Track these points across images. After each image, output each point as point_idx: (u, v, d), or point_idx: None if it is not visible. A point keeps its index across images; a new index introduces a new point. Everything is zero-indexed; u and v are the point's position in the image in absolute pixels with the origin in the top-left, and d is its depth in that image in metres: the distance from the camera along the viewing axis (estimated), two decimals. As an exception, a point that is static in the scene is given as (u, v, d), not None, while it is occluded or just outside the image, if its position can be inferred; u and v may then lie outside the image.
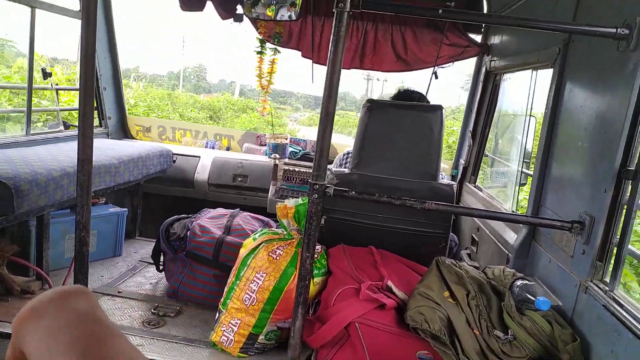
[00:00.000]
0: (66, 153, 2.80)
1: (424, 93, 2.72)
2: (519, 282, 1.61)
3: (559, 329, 1.47)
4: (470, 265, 1.90)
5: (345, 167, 2.52)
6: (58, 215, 2.69)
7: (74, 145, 3.14)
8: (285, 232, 2.06)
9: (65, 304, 0.40)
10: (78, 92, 1.81)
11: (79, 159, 1.84)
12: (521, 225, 2.07)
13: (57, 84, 3.55)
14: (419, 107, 2.13)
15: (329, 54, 1.51)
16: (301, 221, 2.03)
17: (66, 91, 5.53)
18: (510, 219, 1.96)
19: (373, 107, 2.01)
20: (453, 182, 2.19)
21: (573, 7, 1.81)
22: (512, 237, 2.19)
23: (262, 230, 2.13)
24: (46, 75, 3.21)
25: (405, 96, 2.54)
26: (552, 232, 1.81)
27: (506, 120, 3.13)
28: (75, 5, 3.33)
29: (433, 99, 2.67)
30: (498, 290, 1.69)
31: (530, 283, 1.61)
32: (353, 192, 1.63)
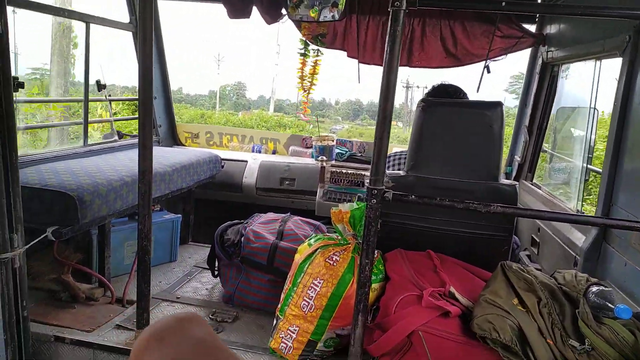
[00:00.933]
0: (123, 162, 2.89)
1: (476, 89, 2.62)
2: (594, 288, 1.51)
3: (644, 340, 1.37)
4: (536, 269, 1.81)
5: (395, 169, 2.46)
6: (117, 223, 2.78)
7: (129, 154, 3.28)
8: (340, 238, 2.03)
9: (184, 331, 0.40)
10: (132, 101, 1.86)
11: (139, 170, 1.89)
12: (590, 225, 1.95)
13: (109, 95, 3.67)
14: (476, 104, 2.05)
15: (384, 55, 1.46)
16: (357, 226, 1.99)
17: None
18: (582, 220, 1.85)
19: (428, 107, 1.95)
20: (515, 182, 2.09)
21: None
22: (579, 237, 2.07)
23: (316, 236, 2.11)
24: (100, 87, 3.32)
25: (440, 90, 2.44)
26: (627, 233, 1.68)
27: (565, 113, 2.97)
28: (125, 18, 3.45)
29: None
30: (571, 297, 1.59)
31: (608, 289, 1.50)
32: (413, 196, 1.58)
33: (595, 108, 2.42)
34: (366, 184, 3.44)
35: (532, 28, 3.04)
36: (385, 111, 1.51)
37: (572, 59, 2.49)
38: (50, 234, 2.09)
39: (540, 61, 2.94)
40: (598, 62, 2.17)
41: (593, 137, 2.49)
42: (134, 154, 3.31)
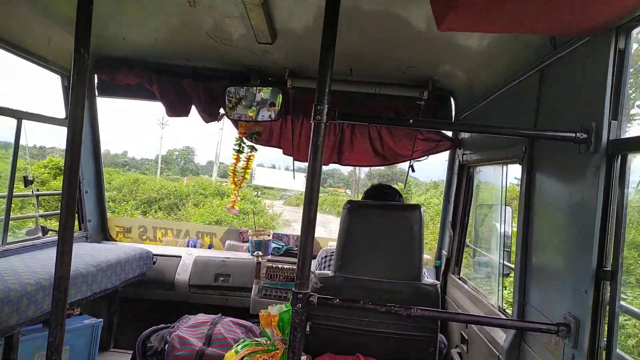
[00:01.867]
0: (42, 263, 2.72)
1: (403, 183, 2.79)
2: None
3: None
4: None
5: (327, 268, 2.49)
6: (28, 331, 2.55)
7: (51, 253, 3.09)
8: (269, 342, 1.98)
9: None
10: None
11: (56, 276, 1.77)
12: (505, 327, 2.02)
13: (37, 189, 3.54)
14: (398, 207, 2.17)
15: (308, 161, 1.54)
16: (285, 330, 1.96)
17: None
18: (496, 323, 1.92)
19: (353, 209, 2.04)
20: (437, 282, 2.17)
21: (535, 104, 1.93)
22: (501, 336, 2.13)
23: (244, 342, 2.04)
24: (28, 182, 3.21)
25: (377, 190, 2.60)
26: (540, 334, 1.76)
27: (483, 210, 3.19)
28: (61, 113, 3.44)
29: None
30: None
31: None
32: (338, 300, 1.59)
33: (507, 205, 2.63)
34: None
35: (450, 133, 3.35)
36: (309, 215, 1.56)
37: (482, 163, 2.74)
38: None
39: (457, 162, 3.20)
40: (504, 167, 2.41)
41: (508, 233, 2.68)
42: (54, 253, 3.13)
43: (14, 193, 3.10)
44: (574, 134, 1.48)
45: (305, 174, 1.58)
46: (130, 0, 2.33)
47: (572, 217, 1.60)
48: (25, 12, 2.51)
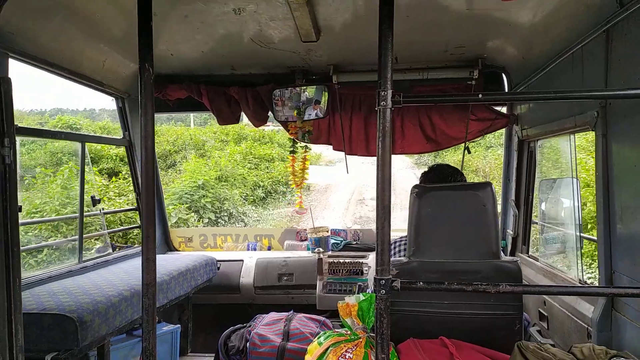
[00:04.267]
0: (119, 276, 2.85)
1: (460, 167, 2.73)
2: (617, 361, 1.49)
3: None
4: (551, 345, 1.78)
5: (398, 255, 2.48)
6: (115, 341, 2.67)
7: (123, 267, 3.24)
8: (350, 332, 1.99)
9: None
10: (131, 210, 1.88)
11: (143, 283, 1.86)
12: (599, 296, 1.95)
13: (103, 208, 3.72)
14: (467, 186, 2.13)
15: (377, 149, 1.54)
16: (366, 318, 1.97)
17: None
18: (591, 292, 1.85)
19: (421, 193, 2.02)
20: (516, 258, 2.12)
21: (603, 66, 1.85)
22: (587, 308, 2.06)
23: (325, 333, 2.06)
24: (95, 202, 3.37)
25: (438, 172, 2.54)
26: (636, 300, 1.69)
27: (548, 184, 3.09)
28: (119, 133, 3.60)
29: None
30: (594, 372, 1.55)
31: (630, 360, 1.48)
32: (421, 283, 1.58)
33: (576, 178, 2.54)
34: (367, 268, 3.41)
35: (504, 109, 3.26)
36: (383, 202, 1.56)
37: (546, 135, 2.65)
38: (48, 361, 1.99)
39: (516, 139, 3.11)
40: (572, 136, 2.32)
41: (578, 205, 2.58)
42: (127, 266, 3.29)
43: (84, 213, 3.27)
44: None
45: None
46: (176, 16, 2.39)
47: None
48: (81, 40, 2.64)
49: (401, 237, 2.48)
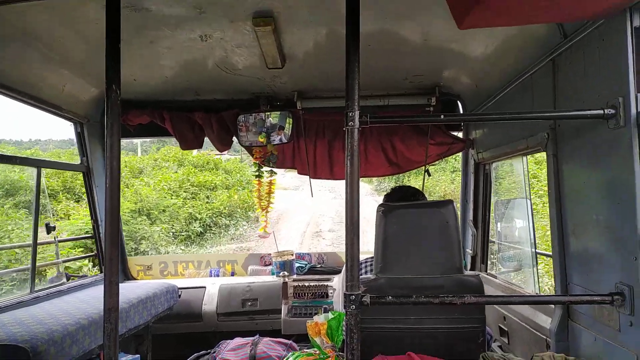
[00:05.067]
0: (75, 305, 2.72)
1: (421, 187, 2.83)
2: (575, 366, 1.57)
3: (633, 410, 1.40)
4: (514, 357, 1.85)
5: (366, 275, 2.51)
6: (70, 373, 2.54)
7: (79, 296, 3.10)
8: (319, 352, 1.98)
9: None
10: (85, 239, 1.82)
11: (105, 307, 1.80)
12: (554, 307, 2.06)
13: (58, 237, 3.56)
14: (430, 204, 2.21)
15: (345, 167, 1.60)
16: (334, 337, 1.97)
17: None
18: (548, 301, 1.95)
19: (387, 211, 2.08)
20: (478, 272, 2.20)
21: (551, 93, 2.00)
22: (545, 320, 2.16)
23: (294, 354, 2.05)
24: (50, 229, 3.23)
25: (401, 192, 2.64)
26: (590, 308, 1.80)
27: (503, 204, 3.24)
28: (77, 159, 3.50)
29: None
30: (555, 379, 1.63)
31: (587, 365, 1.56)
32: (390, 297, 1.62)
33: (529, 198, 2.69)
34: (332, 291, 3.41)
35: (460, 134, 3.43)
36: (352, 218, 1.60)
37: (500, 157, 2.81)
38: (-2, 397, 1.87)
39: (472, 162, 3.27)
40: (524, 158, 2.47)
41: (532, 224, 2.72)
42: (84, 295, 3.15)
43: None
44: (601, 111, 1.56)
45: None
46: (141, 41, 2.39)
47: (608, 191, 1.65)
48: (40, 65, 2.59)
49: (366, 259, 2.53)
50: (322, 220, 16.20)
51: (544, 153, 2.08)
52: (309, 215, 16.51)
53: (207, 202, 15.08)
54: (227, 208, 15.14)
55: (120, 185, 1.88)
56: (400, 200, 2.54)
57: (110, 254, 1.83)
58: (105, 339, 1.80)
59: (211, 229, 14.42)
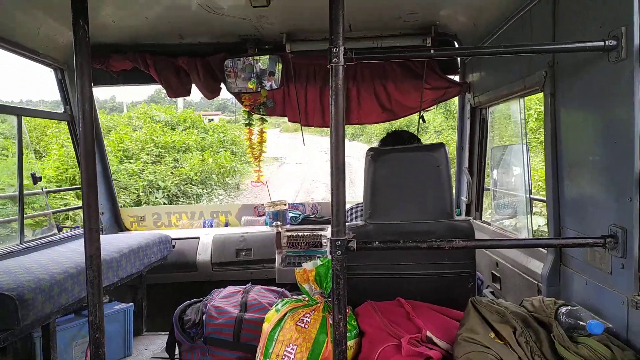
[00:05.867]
0: (65, 255, 2.70)
1: (416, 133, 2.74)
2: (563, 309, 1.54)
3: (620, 352, 1.39)
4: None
5: (356, 221, 2.47)
6: (62, 321, 2.55)
7: (70, 246, 3.08)
8: (308, 298, 1.97)
9: None
10: (75, 190, 1.76)
11: (86, 255, 1.76)
12: (546, 251, 2.02)
13: (46, 187, 3.50)
14: (421, 147, 2.13)
15: (330, 108, 1.51)
16: (323, 283, 1.95)
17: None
18: (539, 244, 1.91)
19: (376, 156, 2.01)
20: (469, 217, 2.16)
21: (550, 28, 1.87)
22: (537, 265, 2.13)
23: (282, 300, 2.03)
24: (36, 180, 3.17)
25: (396, 137, 2.55)
26: (582, 252, 1.76)
27: (499, 151, 3.16)
28: (60, 108, 3.38)
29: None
30: (543, 323, 1.60)
31: (576, 307, 1.54)
32: (377, 243, 1.57)
33: (526, 144, 2.60)
34: (326, 240, 3.40)
35: (456, 78, 3.29)
36: (337, 162, 1.53)
37: (497, 100, 2.70)
38: (-15, 343, 1.87)
39: (468, 106, 3.16)
40: (521, 100, 2.36)
41: (528, 169, 2.65)
42: (75, 246, 3.13)
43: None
44: (602, 42, 1.44)
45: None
46: None
47: (606, 130, 1.57)
48: (11, 4, 2.43)
49: (357, 204, 2.47)
50: (314, 188, 14.77)
51: (542, 95, 1.98)
52: (298, 183, 15.31)
53: (175, 168, 12.65)
54: (199, 174, 12.79)
55: (94, 129, 1.79)
56: (395, 144, 2.45)
57: (88, 200, 1.77)
58: (88, 286, 1.77)
59: (178, 200, 12.13)
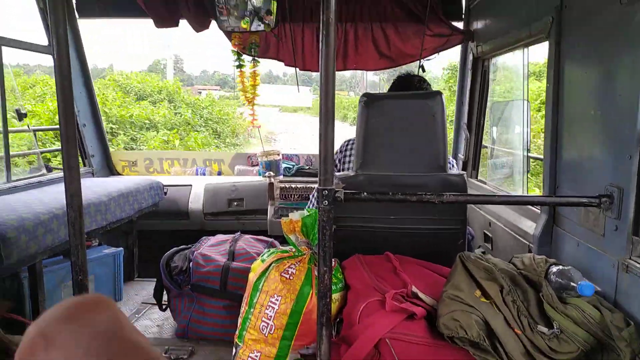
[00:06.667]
0: (52, 196, 2.65)
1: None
2: (554, 269, 1.50)
3: (609, 314, 1.36)
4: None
5: (346, 165, 2.39)
6: (50, 263, 2.54)
7: (59, 188, 3.02)
8: (294, 249, 1.93)
9: (82, 323, 0.30)
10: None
11: (67, 194, 1.70)
12: (539, 211, 1.97)
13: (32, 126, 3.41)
14: (417, 95, 2.03)
15: (320, 44, 1.39)
16: (310, 234, 1.91)
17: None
18: (532, 201, 1.86)
19: (370, 102, 1.91)
20: (463, 172, 2.09)
21: None
22: (529, 225, 2.09)
23: (269, 251, 2.00)
24: (21, 116, 3.06)
25: (405, 81, 2.41)
26: (575, 213, 1.70)
27: (499, 107, 3.05)
28: (44, 40, 3.21)
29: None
30: (532, 281, 1.57)
31: (567, 267, 1.50)
32: (365, 194, 1.51)
33: (527, 100, 2.50)
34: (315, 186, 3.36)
35: (460, 25, 3.12)
36: (327, 104, 1.43)
37: (501, 49, 2.56)
38: (-32, 282, 1.85)
39: (471, 57, 3.01)
40: (526, 50, 2.23)
41: (528, 127, 2.56)
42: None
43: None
44: None
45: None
46: None
47: (610, 82, 1.47)
48: None
49: (349, 141, 2.37)
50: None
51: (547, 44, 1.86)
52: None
53: (130, 149, 10.56)
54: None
55: (81, 65, 1.68)
56: (404, 88, 2.33)
57: (67, 134, 1.68)
58: (69, 227, 1.73)
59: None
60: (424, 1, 2.94)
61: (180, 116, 12.93)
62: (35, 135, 3.41)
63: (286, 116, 23.31)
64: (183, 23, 3.25)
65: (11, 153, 2.92)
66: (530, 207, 2.11)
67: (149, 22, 3.21)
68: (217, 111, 14.62)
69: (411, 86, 2.32)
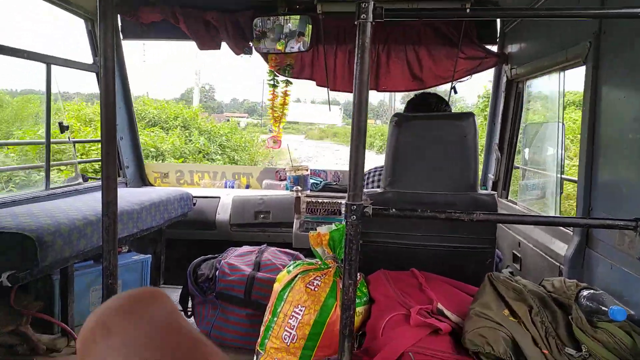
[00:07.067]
0: (87, 203, 2.75)
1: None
2: (585, 292, 1.46)
3: (642, 340, 1.31)
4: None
5: (373, 186, 2.41)
6: (81, 267, 2.62)
7: (94, 196, 3.13)
8: (320, 262, 1.94)
9: (139, 314, 0.31)
10: (97, 142, 1.75)
11: (103, 202, 1.77)
12: (572, 233, 1.93)
13: (74, 138, 3.56)
14: (449, 116, 2.04)
15: (354, 67, 1.44)
16: (337, 248, 1.92)
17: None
18: (566, 222, 1.82)
19: (401, 122, 1.93)
20: (493, 192, 2.06)
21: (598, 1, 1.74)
22: (561, 247, 2.04)
23: (295, 262, 2.02)
24: (63, 128, 3.21)
25: (422, 100, 2.41)
26: (609, 236, 1.66)
27: (533, 128, 3.02)
28: (89, 59, 3.39)
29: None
30: (562, 304, 1.53)
31: (599, 292, 1.46)
32: (394, 210, 1.52)
33: (562, 122, 2.46)
34: (344, 201, 3.38)
35: (494, 49, 3.13)
36: (359, 123, 1.46)
37: (536, 73, 2.55)
38: (5, 280, 1.92)
39: (504, 79, 3.00)
40: (562, 74, 2.22)
41: (562, 148, 2.52)
42: (99, 195, 3.18)
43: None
44: None
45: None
46: None
47: None
48: None
49: (375, 167, 2.40)
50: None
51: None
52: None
53: None
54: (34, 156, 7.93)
55: (123, 81, 1.77)
56: (422, 107, 2.34)
57: (107, 148, 1.77)
58: (103, 233, 1.79)
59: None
60: (458, 26, 2.96)
61: (192, 144, 12.63)
62: (74, 146, 3.56)
63: (311, 144, 23.17)
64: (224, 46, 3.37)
65: (51, 163, 3.05)
66: (561, 228, 2.06)
67: (188, 48, 3.35)
68: (237, 138, 14.35)
69: (428, 104, 2.33)
